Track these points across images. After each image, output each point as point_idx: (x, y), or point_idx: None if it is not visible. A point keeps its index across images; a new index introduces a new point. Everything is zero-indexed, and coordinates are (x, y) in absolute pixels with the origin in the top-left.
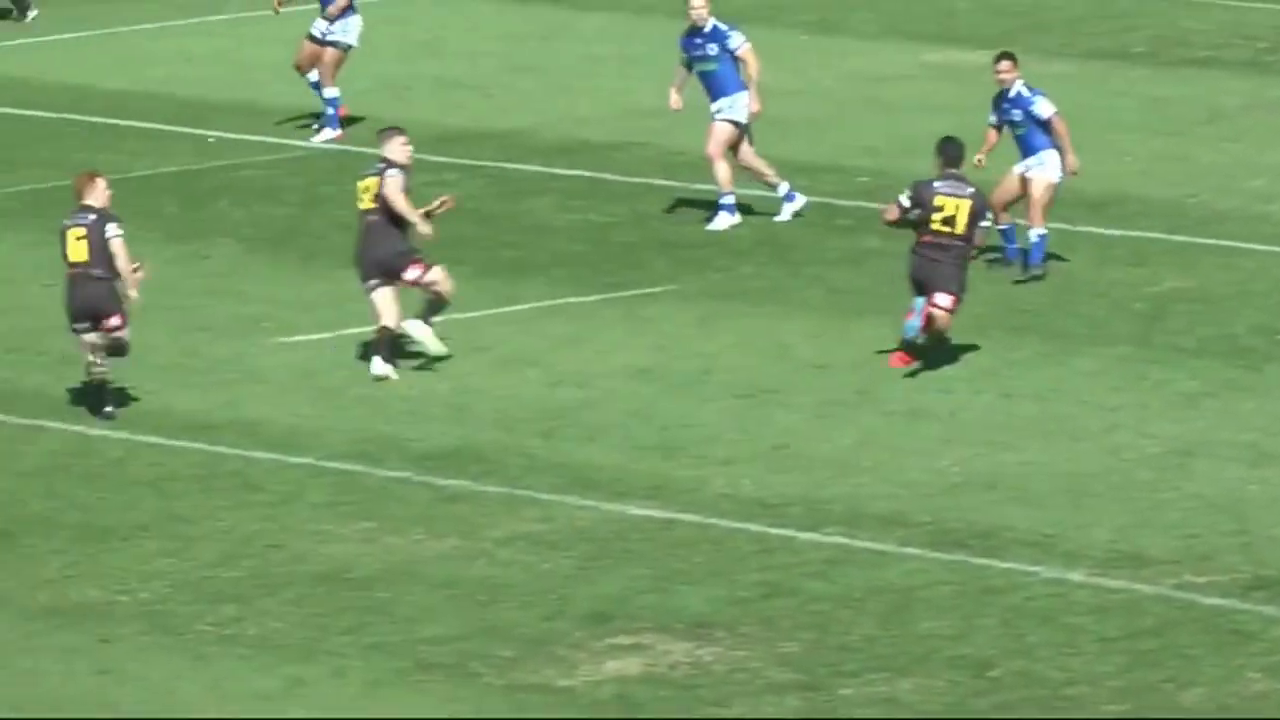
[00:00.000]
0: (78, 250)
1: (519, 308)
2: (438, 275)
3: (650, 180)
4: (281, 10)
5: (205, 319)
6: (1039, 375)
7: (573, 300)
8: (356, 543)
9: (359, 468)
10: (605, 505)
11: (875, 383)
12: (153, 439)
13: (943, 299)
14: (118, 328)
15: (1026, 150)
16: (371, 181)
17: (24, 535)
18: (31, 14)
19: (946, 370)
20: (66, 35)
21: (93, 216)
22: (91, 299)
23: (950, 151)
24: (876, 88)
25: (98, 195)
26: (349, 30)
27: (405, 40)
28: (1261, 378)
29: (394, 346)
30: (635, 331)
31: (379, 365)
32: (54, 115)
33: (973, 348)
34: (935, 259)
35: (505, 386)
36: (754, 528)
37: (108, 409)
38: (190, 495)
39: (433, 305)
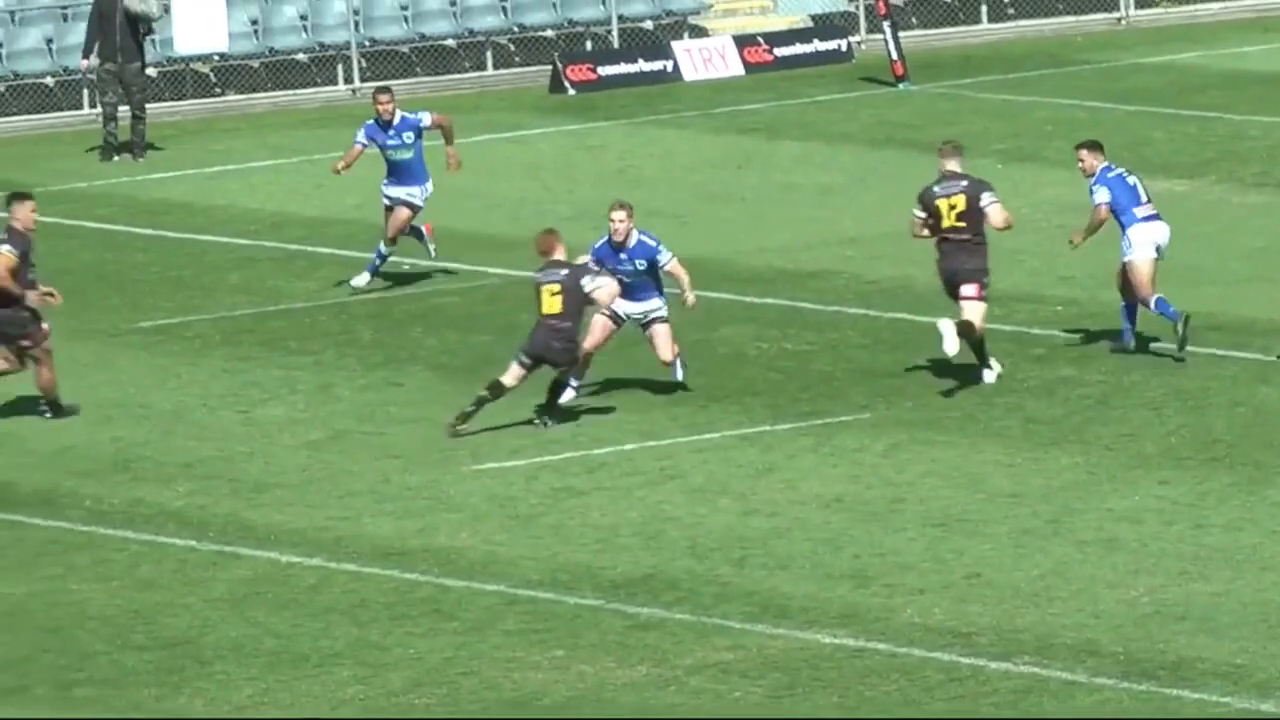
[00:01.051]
0: (552, 304)
1: (712, 436)
2: (977, 310)
3: (845, 309)
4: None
5: (399, 446)
6: (1231, 506)
7: (766, 429)
8: (547, 670)
9: (551, 595)
10: (796, 634)
11: (1068, 512)
12: (347, 566)
13: None
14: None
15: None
16: (957, 199)
17: (218, 661)
18: (142, 159)
19: (1138, 500)
20: (265, 162)
21: (565, 272)
22: (552, 346)
23: None
24: (1072, 217)
25: (562, 251)
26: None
27: (601, 168)
28: None
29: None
30: (828, 460)
31: (948, 334)
32: (248, 242)
33: (1166, 478)
34: None
35: (697, 515)
36: (945, 657)
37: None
38: (382, 622)
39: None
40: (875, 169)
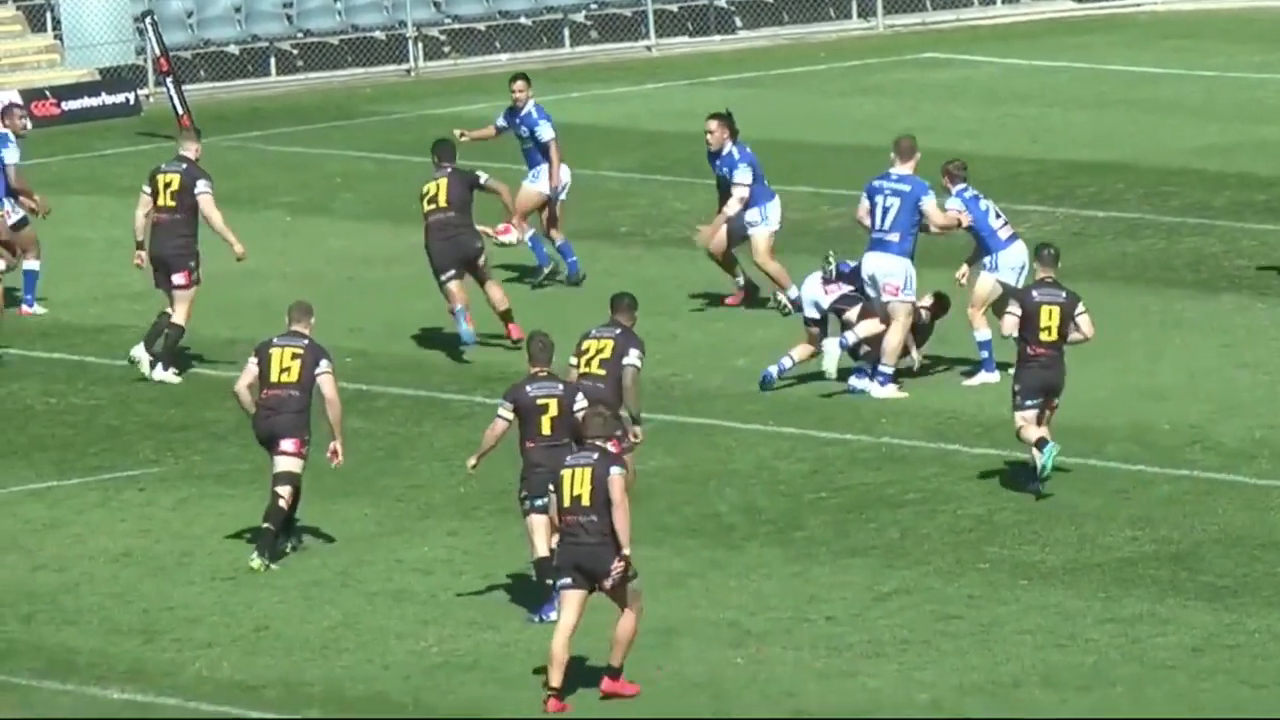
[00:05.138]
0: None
1: (1, 492)
2: None
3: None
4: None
5: None
6: (520, 556)
7: (54, 484)
8: None
9: None
10: (85, 689)
11: (358, 564)
12: None
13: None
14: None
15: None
16: None
17: None
18: None
19: (428, 551)
20: None
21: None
22: None
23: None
24: (363, 269)
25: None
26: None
27: None
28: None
29: None
30: (116, 514)
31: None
32: None
33: (455, 529)
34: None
35: None
36: (233, 711)
37: None
38: None
39: None
40: None
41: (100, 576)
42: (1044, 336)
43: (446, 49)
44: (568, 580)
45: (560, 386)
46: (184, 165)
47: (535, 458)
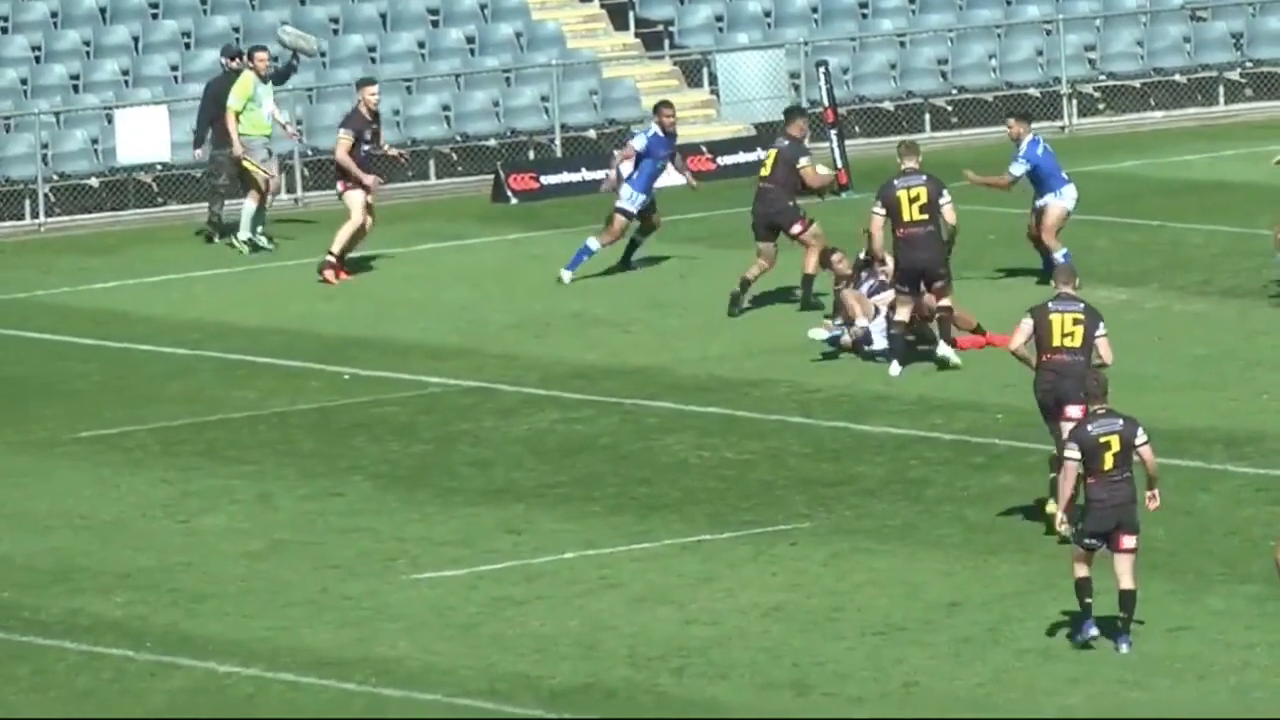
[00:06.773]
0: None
1: (652, 544)
2: None
3: (786, 417)
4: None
5: (338, 556)
6: (1169, 613)
7: (706, 537)
8: None
9: (490, 705)
10: None
11: (1007, 621)
12: (284, 676)
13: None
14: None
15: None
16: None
17: None
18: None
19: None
20: (204, 272)
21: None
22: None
23: None
24: None
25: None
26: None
27: (544, 276)
28: None
29: None
30: (767, 569)
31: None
32: (188, 352)
33: (1106, 586)
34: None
35: (637, 624)
36: None
37: None
38: None
39: None
40: (818, 278)
41: (751, 631)
42: None
43: (1101, 106)
44: None
45: (1120, 422)
46: (924, 177)
47: (1096, 493)
